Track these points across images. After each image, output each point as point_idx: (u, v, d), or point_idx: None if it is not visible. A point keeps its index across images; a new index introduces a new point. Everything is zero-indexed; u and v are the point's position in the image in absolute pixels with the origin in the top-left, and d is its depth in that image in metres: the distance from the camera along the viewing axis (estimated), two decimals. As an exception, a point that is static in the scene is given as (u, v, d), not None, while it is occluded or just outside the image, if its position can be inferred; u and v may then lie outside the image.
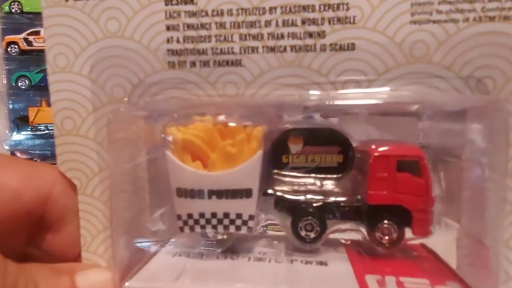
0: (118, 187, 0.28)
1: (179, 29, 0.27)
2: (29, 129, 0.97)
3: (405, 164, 0.26)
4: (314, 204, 0.27)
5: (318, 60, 0.26)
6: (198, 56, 0.27)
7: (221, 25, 0.26)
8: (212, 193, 0.26)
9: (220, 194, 0.26)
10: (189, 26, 0.27)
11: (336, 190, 0.28)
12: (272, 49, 0.26)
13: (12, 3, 0.79)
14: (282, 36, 0.26)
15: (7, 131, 0.99)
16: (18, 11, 0.80)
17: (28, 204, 0.22)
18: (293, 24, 0.26)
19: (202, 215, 0.26)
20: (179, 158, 0.26)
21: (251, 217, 0.26)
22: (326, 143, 0.29)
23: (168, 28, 0.27)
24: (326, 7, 0.25)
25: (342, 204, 0.27)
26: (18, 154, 0.97)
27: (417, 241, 0.29)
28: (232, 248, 0.28)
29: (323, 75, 0.26)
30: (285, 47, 0.26)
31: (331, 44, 0.26)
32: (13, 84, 0.85)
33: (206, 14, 0.26)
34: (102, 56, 0.27)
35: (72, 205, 0.26)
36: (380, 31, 0.25)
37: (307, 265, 0.26)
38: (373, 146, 0.27)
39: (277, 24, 0.26)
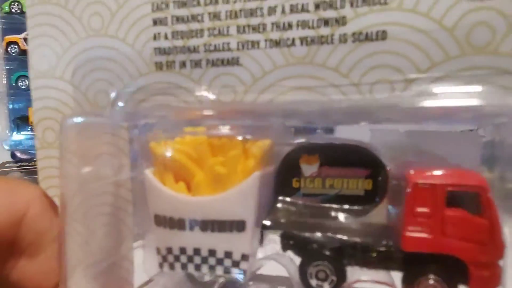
0: (96, 210, 0.24)
1: (167, 23, 0.22)
2: (29, 129, 0.95)
3: (460, 197, 0.19)
4: (331, 245, 0.21)
5: (337, 55, 0.20)
6: (189, 55, 0.22)
7: (215, 16, 0.21)
8: (195, 223, 0.20)
9: (205, 225, 0.20)
10: (179, 19, 0.22)
11: (362, 227, 0.21)
12: (277, 43, 0.21)
13: (12, 3, 0.78)
14: (290, 26, 0.20)
15: (7, 131, 0.98)
16: (18, 11, 0.79)
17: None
18: (304, 9, 0.20)
19: (183, 250, 0.21)
20: (160, 178, 0.21)
21: (245, 257, 0.20)
22: (351, 164, 0.22)
23: (155, 22, 0.22)
24: (347, -14, 0.19)
25: (369, 247, 0.20)
26: (18, 154, 0.98)
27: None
28: (226, 292, 0.22)
29: (343, 75, 0.20)
30: (293, 40, 0.20)
31: (353, 34, 0.19)
32: (13, 84, 0.84)
33: (198, 3, 0.22)
34: (85, 58, 0.24)
35: (51, 228, 0.22)
36: (422, 13, 0.18)
37: (316, 328, 0.19)
38: (412, 171, 0.20)
39: (283, 11, 0.20)
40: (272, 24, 0.21)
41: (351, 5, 0.19)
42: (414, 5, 0.18)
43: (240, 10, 0.21)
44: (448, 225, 0.18)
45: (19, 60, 0.84)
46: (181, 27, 0.22)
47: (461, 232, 0.18)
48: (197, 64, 0.22)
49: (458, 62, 0.18)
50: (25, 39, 0.80)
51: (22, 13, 0.79)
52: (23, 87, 0.84)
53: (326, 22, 0.20)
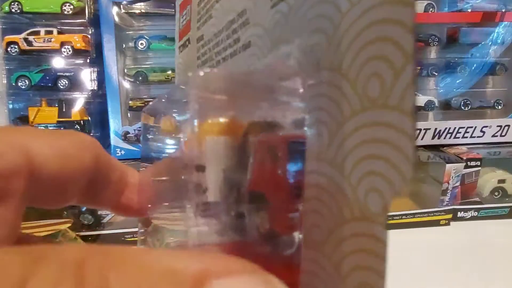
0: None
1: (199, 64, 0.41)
2: (28, 130, 0.91)
3: (277, 150, 0.25)
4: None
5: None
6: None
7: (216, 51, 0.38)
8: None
9: (196, 167, 0.37)
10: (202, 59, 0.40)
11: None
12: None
13: (12, 3, 0.79)
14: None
15: (7, 132, 0.98)
16: (18, 11, 0.79)
17: (87, 164, 0.22)
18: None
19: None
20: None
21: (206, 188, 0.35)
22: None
23: (199, 64, 0.42)
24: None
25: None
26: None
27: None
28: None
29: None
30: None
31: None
32: (13, 84, 0.84)
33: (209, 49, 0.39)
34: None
35: (114, 163, 0.25)
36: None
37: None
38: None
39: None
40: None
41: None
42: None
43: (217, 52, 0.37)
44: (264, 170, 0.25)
45: (19, 60, 0.84)
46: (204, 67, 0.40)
47: (267, 175, 0.24)
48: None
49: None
50: (25, 39, 0.80)
51: (22, 13, 0.79)
52: (23, 87, 0.85)
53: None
